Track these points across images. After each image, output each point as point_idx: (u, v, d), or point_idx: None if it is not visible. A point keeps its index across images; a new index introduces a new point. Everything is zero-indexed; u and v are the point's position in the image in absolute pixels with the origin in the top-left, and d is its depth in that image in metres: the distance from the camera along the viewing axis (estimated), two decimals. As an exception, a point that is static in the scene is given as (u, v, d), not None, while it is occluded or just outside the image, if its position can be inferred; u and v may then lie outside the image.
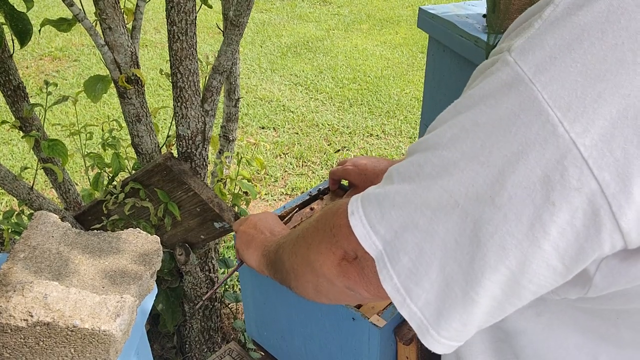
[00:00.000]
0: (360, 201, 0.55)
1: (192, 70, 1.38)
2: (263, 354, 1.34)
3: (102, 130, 1.57)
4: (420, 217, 0.48)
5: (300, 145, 3.55)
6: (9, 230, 1.41)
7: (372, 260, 0.53)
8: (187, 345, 1.81)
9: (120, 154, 1.53)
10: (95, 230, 0.98)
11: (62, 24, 1.40)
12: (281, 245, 0.78)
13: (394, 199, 0.51)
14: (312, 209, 1.21)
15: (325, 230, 0.62)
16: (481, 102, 0.46)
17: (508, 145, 0.43)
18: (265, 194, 3.11)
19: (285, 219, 1.15)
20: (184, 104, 1.42)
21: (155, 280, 0.95)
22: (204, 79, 1.52)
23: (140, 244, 0.96)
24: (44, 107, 1.43)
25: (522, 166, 0.43)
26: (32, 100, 1.49)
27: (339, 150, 3.51)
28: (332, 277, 0.62)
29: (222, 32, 1.72)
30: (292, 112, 4.00)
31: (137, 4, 1.44)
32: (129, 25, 1.43)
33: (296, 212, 1.18)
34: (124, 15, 1.37)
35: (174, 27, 1.31)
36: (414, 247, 0.49)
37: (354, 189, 1.23)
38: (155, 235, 0.99)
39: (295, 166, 3.36)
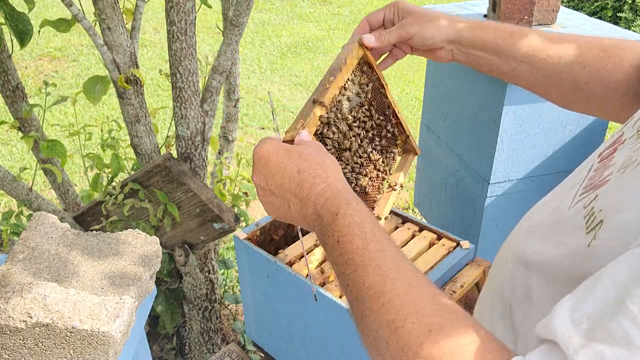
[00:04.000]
0: None
1: (191, 71, 1.38)
2: (263, 355, 1.33)
3: (101, 130, 1.56)
4: None
5: (300, 146, 3.54)
6: (8, 231, 1.40)
7: None
8: (186, 347, 1.81)
9: (120, 154, 1.52)
10: (95, 231, 0.98)
11: (61, 25, 1.39)
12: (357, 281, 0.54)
13: None
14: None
15: None
16: None
17: None
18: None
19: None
20: (183, 104, 1.41)
21: (155, 282, 0.94)
22: (203, 79, 1.52)
23: (139, 245, 0.95)
24: (43, 107, 1.42)
25: None
26: (31, 101, 1.49)
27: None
28: None
29: (222, 32, 1.72)
30: (292, 112, 3.99)
31: (136, 4, 1.44)
32: (128, 25, 1.43)
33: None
34: (123, 15, 1.37)
35: (174, 27, 1.31)
36: None
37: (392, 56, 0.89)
38: (154, 236, 0.98)
39: (295, 166, 3.35)
